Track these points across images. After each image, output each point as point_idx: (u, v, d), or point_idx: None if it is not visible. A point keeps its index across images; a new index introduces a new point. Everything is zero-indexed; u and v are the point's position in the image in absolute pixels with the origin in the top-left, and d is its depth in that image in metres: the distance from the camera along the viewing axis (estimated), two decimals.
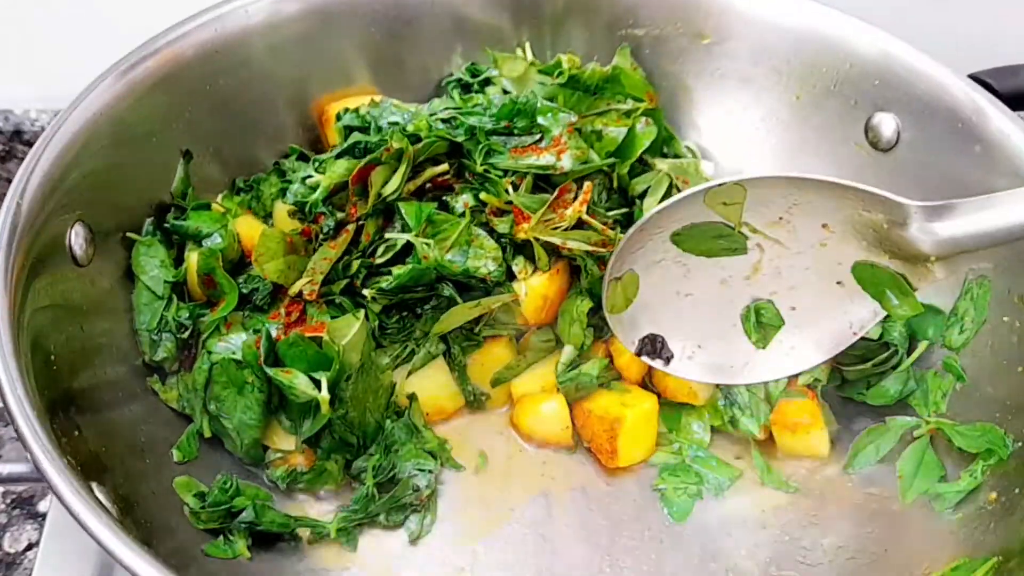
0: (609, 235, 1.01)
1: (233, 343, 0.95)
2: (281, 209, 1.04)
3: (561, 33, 1.17)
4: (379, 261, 0.99)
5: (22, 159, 0.87)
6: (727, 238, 0.94)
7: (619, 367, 1.04)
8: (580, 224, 1.00)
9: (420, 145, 0.99)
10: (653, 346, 1.00)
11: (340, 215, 1.00)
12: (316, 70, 1.11)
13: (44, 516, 0.99)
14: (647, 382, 1.06)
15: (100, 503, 0.72)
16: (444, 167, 1.02)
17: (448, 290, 0.99)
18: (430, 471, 0.97)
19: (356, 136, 1.02)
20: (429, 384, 1.02)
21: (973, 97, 1.00)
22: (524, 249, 1.01)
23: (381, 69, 1.14)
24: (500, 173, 1.01)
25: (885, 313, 0.95)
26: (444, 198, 1.02)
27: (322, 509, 0.96)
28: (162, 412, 0.96)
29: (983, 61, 1.05)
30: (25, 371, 0.77)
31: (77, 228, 0.90)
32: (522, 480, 1.00)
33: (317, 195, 0.99)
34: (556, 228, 0.99)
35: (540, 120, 1.04)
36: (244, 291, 0.99)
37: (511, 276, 1.01)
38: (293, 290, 0.98)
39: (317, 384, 0.91)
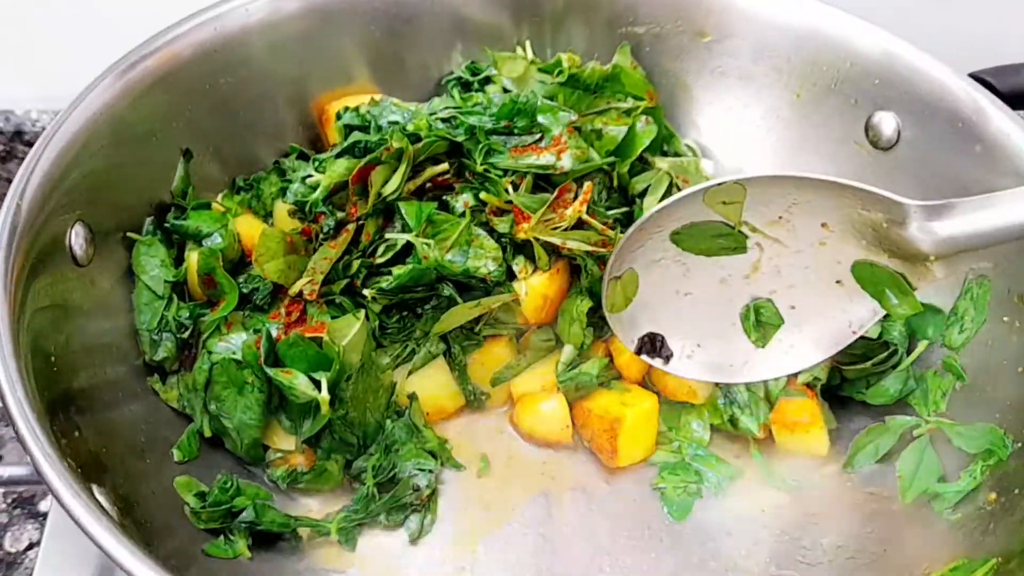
0: (609, 235, 1.00)
1: (233, 343, 0.95)
2: (281, 208, 1.04)
3: (561, 31, 1.17)
4: (379, 261, 0.99)
5: (23, 159, 0.87)
6: (727, 237, 0.94)
7: (619, 366, 1.04)
8: (580, 224, 1.00)
9: (420, 145, 0.99)
10: (653, 345, 1.00)
11: (340, 215, 1.00)
12: (316, 69, 1.11)
13: (45, 516, 0.99)
14: (647, 381, 1.06)
15: (100, 506, 0.73)
16: (444, 167, 1.02)
17: (448, 290, 0.99)
18: (430, 471, 0.97)
19: (356, 135, 1.02)
20: (429, 384, 1.02)
21: (974, 96, 0.99)
22: (524, 249, 1.01)
23: (381, 67, 1.14)
24: (500, 173, 1.00)
25: (884, 312, 0.95)
26: (444, 198, 1.02)
27: (322, 509, 0.96)
28: (162, 412, 0.96)
29: (984, 60, 1.05)
30: (25, 372, 0.77)
31: (77, 228, 0.90)
32: (522, 480, 1.00)
33: (317, 194, 0.99)
34: (556, 228, 0.99)
35: (540, 119, 1.04)
36: (244, 291, 0.99)
37: (511, 276, 1.01)
38: (293, 290, 0.98)
39: (317, 384, 0.91)
